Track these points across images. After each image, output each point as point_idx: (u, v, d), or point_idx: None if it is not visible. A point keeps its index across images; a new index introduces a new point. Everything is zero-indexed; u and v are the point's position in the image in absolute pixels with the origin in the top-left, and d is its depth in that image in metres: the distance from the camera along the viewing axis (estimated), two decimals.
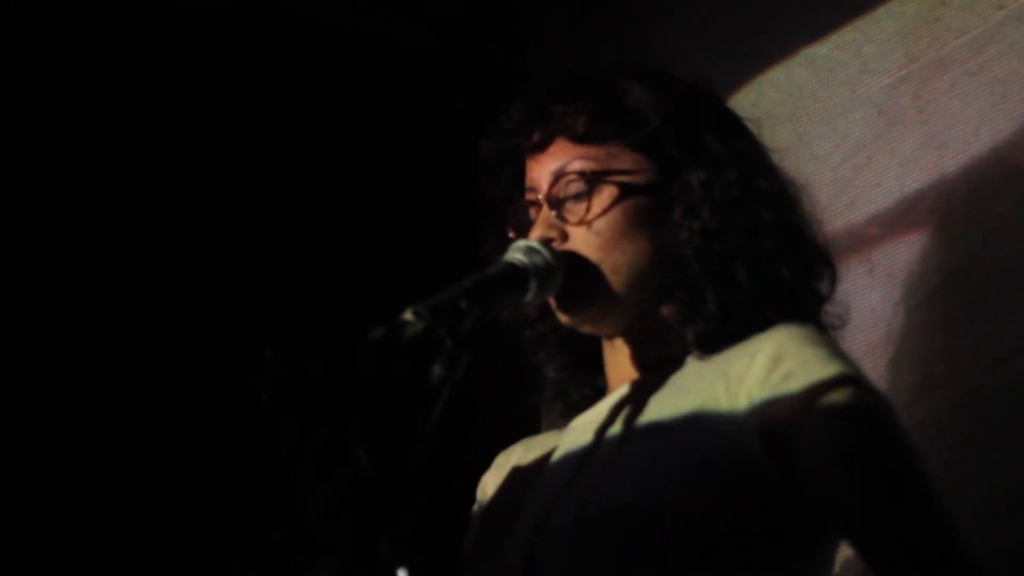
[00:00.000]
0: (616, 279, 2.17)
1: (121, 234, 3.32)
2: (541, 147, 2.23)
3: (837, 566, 2.12)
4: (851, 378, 2.01)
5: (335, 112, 3.56)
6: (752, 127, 2.30)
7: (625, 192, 2.18)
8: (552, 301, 2.20)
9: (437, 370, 1.91)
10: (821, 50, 2.98)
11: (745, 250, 2.16)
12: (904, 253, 2.71)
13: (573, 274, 2.15)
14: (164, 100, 3.39)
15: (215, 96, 3.46)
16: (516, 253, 2.13)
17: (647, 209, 2.19)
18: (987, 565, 1.94)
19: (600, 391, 2.31)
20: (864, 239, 2.78)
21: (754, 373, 2.04)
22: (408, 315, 1.92)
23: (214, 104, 3.45)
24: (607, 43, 3.44)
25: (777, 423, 1.99)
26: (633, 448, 2.10)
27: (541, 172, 2.22)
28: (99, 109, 3.29)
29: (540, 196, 2.21)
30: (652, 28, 3.39)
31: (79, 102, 3.27)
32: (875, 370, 2.61)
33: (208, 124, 3.44)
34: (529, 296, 2.13)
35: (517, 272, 2.11)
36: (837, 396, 1.98)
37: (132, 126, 3.36)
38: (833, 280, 2.25)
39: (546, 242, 2.16)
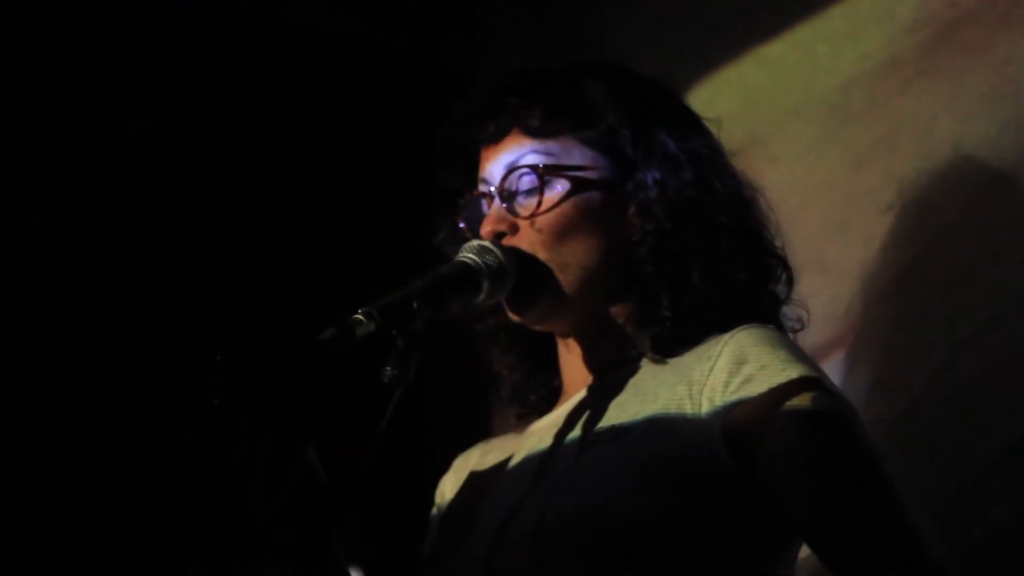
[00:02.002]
0: (565, 276, 2.16)
1: (65, 233, 3.30)
2: (495, 139, 2.23)
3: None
4: (814, 381, 2.01)
5: (286, 107, 3.53)
6: (711, 126, 2.29)
7: (577, 188, 2.17)
8: (503, 300, 2.19)
9: (388, 371, 1.91)
10: (774, 49, 2.97)
11: (699, 251, 2.16)
12: (857, 252, 2.71)
13: (524, 272, 2.14)
14: (106, 97, 3.37)
15: (165, 92, 3.43)
16: (469, 253, 2.13)
17: (599, 206, 2.18)
18: (945, 565, 1.95)
19: (556, 392, 2.31)
20: (817, 239, 2.78)
21: (716, 376, 2.03)
22: (359, 316, 1.92)
23: (165, 101, 3.43)
24: (562, 40, 3.43)
25: (740, 426, 1.99)
26: (594, 453, 2.08)
27: (494, 165, 2.22)
28: None
29: (492, 189, 2.20)
30: (606, 28, 3.38)
31: None
32: (829, 370, 2.59)
33: (159, 122, 3.41)
34: (481, 296, 2.13)
35: (470, 272, 2.11)
36: (800, 399, 1.98)
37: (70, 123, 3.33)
38: (790, 282, 2.25)
39: (496, 236, 2.16)
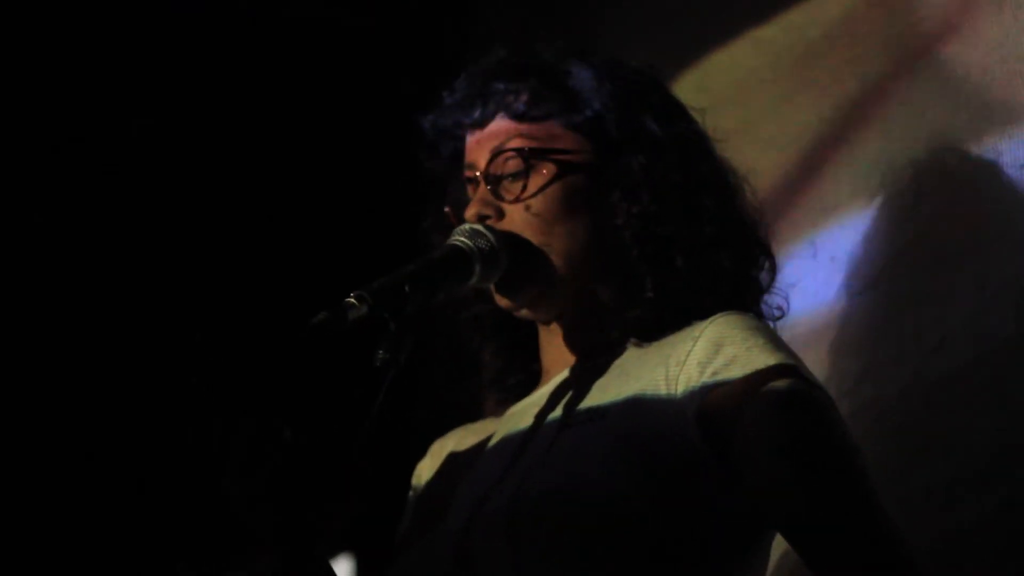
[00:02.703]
0: (552, 259, 2.17)
1: (65, 233, 3.31)
2: (481, 124, 2.24)
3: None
4: (790, 368, 2.01)
5: (275, 92, 3.55)
6: (696, 115, 2.30)
7: (562, 172, 2.18)
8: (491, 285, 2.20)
9: (381, 354, 1.91)
10: (767, 33, 2.97)
11: (684, 236, 2.17)
12: (849, 237, 2.71)
13: (515, 256, 2.14)
14: (106, 97, 3.38)
15: (165, 92, 3.44)
16: (461, 236, 2.13)
17: (584, 190, 2.19)
18: (929, 551, 1.96)
19: (535, 377, 2.31)
20: (808, 223, 2.78)
21: (694, 359, 2.04)
22: (352, 299, 1.92)
23: (165, 101, 3.44)
24: (553, 24, 3.44)
25: (714, 410, 1.99)
26: (571, 433, 2.09)
27: (480, 149, 2.22)
28: None
29: (478, 173, 2.20)
30: (598, 10, 3.39)
31: None
32: (819, 355, 2.61)
33: (159, 122, 3.42)
34: (473, 280, 2.13)
35: (462, 256, 2.12)
36: (775, 386, 1.98)
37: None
38: (773, 270, 2.25)
39: (481, 219, 2.16)
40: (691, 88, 2.35)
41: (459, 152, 2.28)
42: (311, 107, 3.59)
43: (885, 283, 2.63)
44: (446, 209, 2.27)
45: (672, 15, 3.17)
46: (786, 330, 2.24)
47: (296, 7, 3.64)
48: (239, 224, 3.48)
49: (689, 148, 2.23)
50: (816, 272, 2.72)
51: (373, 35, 3.74)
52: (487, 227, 2.15)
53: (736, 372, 2.00)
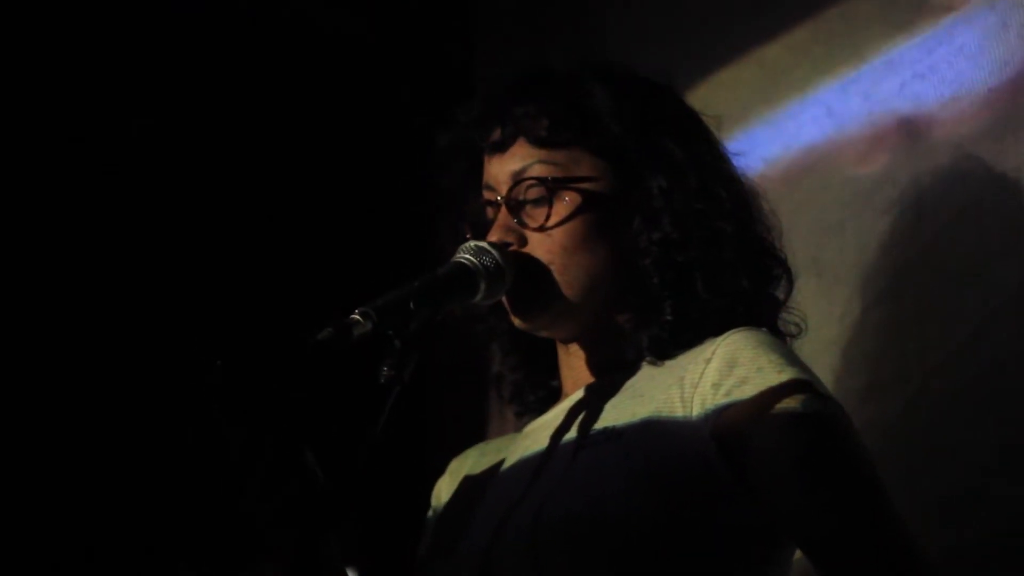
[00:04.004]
0: (572, 285, 2.16)
1: (65, 233, 3.30)
2: (501, 147, 2.22)
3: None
4: (804, 384, 2.01)
5: (284, 107, 3.54)
6: (711, 123, 2.29)
7: (585, 200, 2.17)
8: (506, 305, 2.20)
9: (385, 371, 1.91)
10: (771, 51, 2.98)
11: (704, 262, 2.16)
12: (853, 255, 2.71)
13: (527, 277, 2.15)
14: (106, 97, 3.37)
15: (165, 92, 3.44)
16: (466, 254, 2.13)
17: (606, 217, 2.18)
18: (937, 566, 1.95)
19: (555, 393, 2.31)
20: (813, 242, 2.78)
21: (708, 379, 2.04)
22: (356, 316, 1.92)
23: (165, 101, 3.43)
24: (557, 41, 3.43)
25: (730, 429, 1.99)
26: (588, 454, 2.09)
27: (500, 173, 2.21)
28: None
29: (499, 198, 2.20)
30: (604, 28, 3.38)
31: None
32: (824, 373, 2.58)
33: (159, 122, 3.42)
34: (478, 297, 2.13)
35: (466, 273, 2.11)
36: (789, 402, 1.98)
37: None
38: (790, 282, 2.25)
39: (504, 246, 2.15)
40: (696, 105, 2.33)
41: (474, 169, 2.27)
42: (311, 111, 3.58)
43: (890, 301, 2.64)
44: (467, 236, 2.24)
45: (677, 34, 3.17)
46: (793, 348, 2.24)
47: (297, 9, 3.63)
48: (236, 223, 3.47)
49: (708, 169, 2.21)
50: (821, 291, 2.73)
51: (374, 41, 3.73)
52: (493, 245, 2.14)
53: (750, 390, 2.00)
